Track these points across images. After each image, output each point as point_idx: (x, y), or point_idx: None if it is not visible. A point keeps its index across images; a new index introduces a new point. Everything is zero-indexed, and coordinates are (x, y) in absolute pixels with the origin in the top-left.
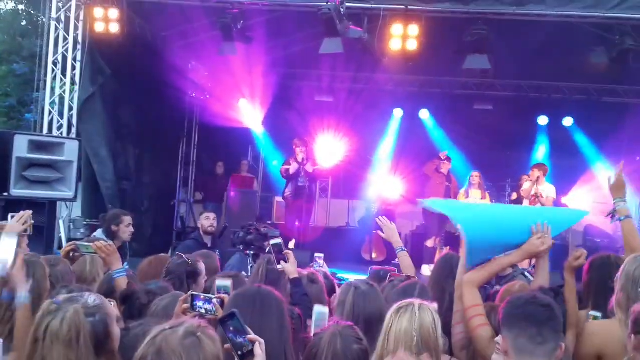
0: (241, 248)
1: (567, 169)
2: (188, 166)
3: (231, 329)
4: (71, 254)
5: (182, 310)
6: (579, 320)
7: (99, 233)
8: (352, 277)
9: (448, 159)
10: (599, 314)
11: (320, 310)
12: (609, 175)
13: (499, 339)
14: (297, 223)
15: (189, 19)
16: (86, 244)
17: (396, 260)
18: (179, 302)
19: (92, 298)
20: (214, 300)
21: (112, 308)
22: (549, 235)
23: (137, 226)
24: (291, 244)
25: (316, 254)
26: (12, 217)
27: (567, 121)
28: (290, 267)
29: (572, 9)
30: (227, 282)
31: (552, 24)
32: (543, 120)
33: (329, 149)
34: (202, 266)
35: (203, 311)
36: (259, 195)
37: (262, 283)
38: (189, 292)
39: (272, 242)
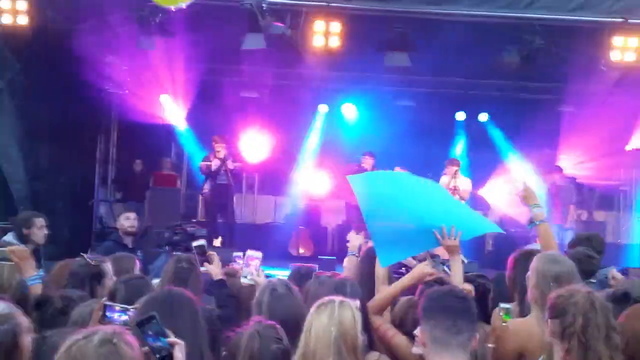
0: (167, 249)
1: (483, 162)
2: (107, 164)
3: (150, 332)
4: None
5: (99, 321)
6: (494, 316)
7: (9, 237)
8: (279, 272)
9: (370, 153)
10: (509, 306)
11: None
12: (518, 189)
13: (417, 331)
14: (219, 220)
15: (104, 12)
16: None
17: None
18: (94, 311)
19: (0, 306)
20: (130, 312)
21: (23, 317)
22: (458, 238)
23: (53, 228)
24: (217, 242)
25: (234, 254)
26: None
27: (483, 117)
28: (214, 269)
29: (486, 9)
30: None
31: (468, 23)
32: (461, 116)
33: (254, 145)
34: (107, 267)
35: (117, 323)
36: (183, 193)
37: (172, 283)
38: (102, 301)
39: (195, 244)
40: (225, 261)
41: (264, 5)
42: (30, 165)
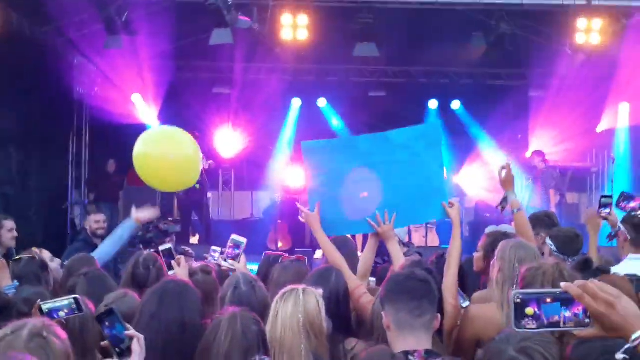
0: (141, 247)
1: (457, 149)
2: (80, 166)
3: (108, 324)
4: None
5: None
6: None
7: None
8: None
9: None
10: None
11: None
12: (500, 168)
13: (382, 314)
14: (195, 218)
15: (70, 13)
16: None
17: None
18: (33, 313)
19: None
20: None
21: None
22: (392, 223)
23: (27, 233)
24: (194, 240)
25: (212, 247)
26: None
27: (455, 104)
28: (181, 271)
29: None
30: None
31: (435, 10)
32: (433, 104)
33: (228, 141)
34: (46, 254)
35: (63, 314)
36: (159, 192)
37: (130, 287)
38: (38, 303)
39: (162, 248)
40: (202, 258)
41: (229, 0)
42: (1, 170)
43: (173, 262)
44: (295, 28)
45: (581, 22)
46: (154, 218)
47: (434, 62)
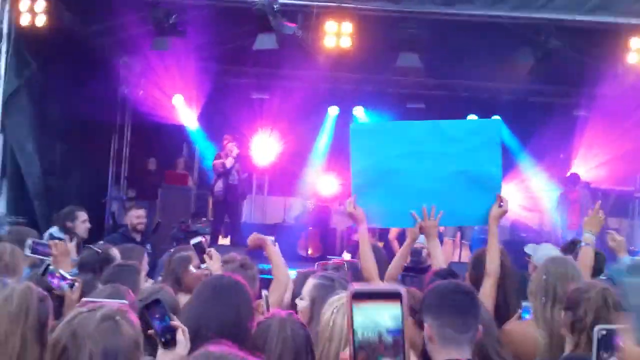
0: (173, 244)
1: None
2: (120, 163)
3: (156, 315)
4: None
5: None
6: None
7: (54, 230)
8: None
9: None
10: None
11: None
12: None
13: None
14: (226, 219)
15: (119, 13)
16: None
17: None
18: None
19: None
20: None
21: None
22: (437, 220)
23: None
24: (225, 241)
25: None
26: None
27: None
28: (214, 265)
29: (499, 10)
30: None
31: (481, 24)
32: (472, 118)
33: (265, 146)
34: (114, 252)
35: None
36: (194, 192)
37: (167, 281)
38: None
39: (192, 241)
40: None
41: (275, 5)
42: (45, 161)
43: (205, 255)
44: (338, 36)
45: (634, 42)
46: None
47: (476, 76)
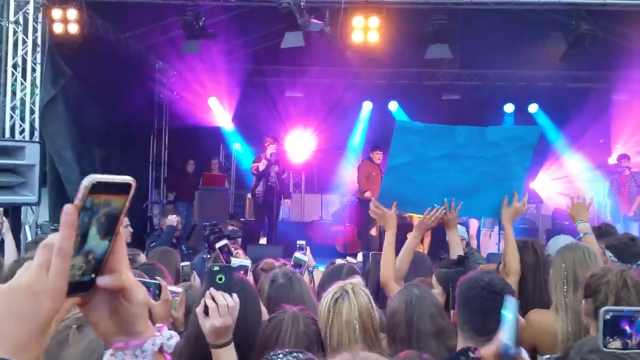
0: (205, 246)
1: (534, 154)
2: (159, 166)
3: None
4: None
5: None
6: None
7: None
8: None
9: (380, 148)
10: None
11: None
12: (575, 198)
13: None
14: (266, 219)
15: (150, 19)
16: None
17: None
18: None
19: None
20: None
21: None
22: (456, 211)
23: None
24: (263, 240)
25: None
26: None
27: (533, 107)
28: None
29: None
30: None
31: (511, 11)
32: (509, 107)
33: (299, 144)
34: (141, 258)
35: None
36: (231, 193)
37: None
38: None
39: (218, 245)
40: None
41: (302, 3)
42: (84, 167)
43: (232, 257)
44: (366, 30)
45: None
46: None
47: (510, 65)
